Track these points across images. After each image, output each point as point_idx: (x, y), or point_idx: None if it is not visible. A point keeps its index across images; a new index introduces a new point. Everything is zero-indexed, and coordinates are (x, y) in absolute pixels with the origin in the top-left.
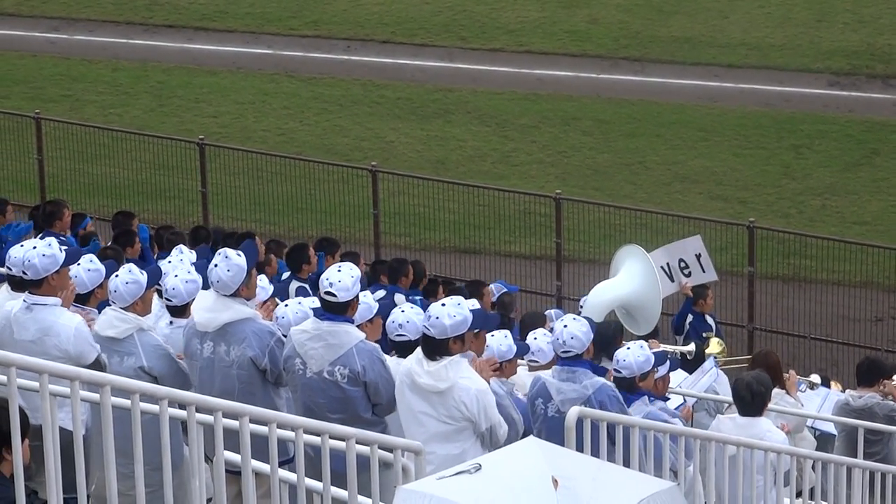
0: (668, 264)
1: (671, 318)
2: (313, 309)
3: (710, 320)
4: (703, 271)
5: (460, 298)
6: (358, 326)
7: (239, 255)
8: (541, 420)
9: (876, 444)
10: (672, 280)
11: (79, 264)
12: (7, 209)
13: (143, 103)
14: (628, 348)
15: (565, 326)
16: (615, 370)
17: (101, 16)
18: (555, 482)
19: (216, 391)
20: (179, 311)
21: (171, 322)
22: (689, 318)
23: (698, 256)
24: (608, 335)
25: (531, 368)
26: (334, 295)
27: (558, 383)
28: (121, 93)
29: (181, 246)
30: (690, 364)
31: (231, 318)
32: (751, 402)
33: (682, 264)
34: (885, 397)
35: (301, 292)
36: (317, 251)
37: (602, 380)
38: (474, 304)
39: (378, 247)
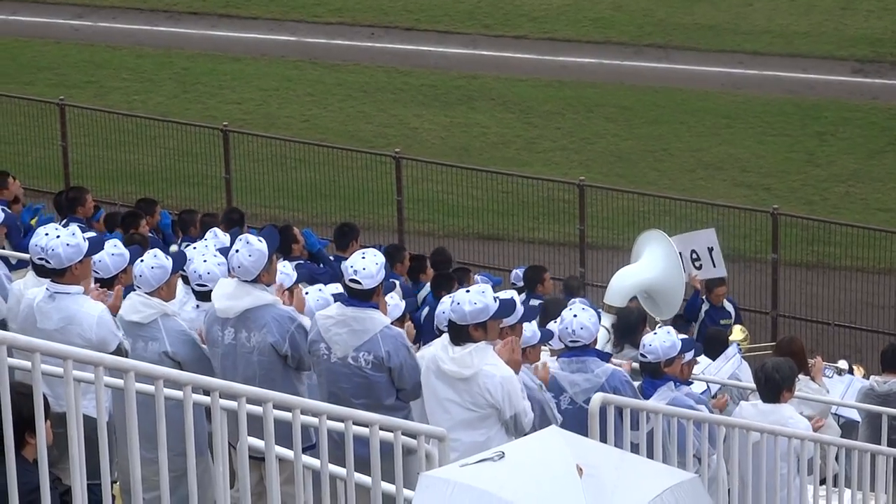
0: (679, 254)
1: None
2: (335, 295)
3: (729, 307)
4: (714, 266)
5: (486, 286)
6: None
7: (260, 240)
8: None
9: None
10: (683, 270)
11: (102, 250)
12: (7, 181)
13: (167, 90)
14: (655, 333)
15: (574, 316)
16: (641, 355)
17: (124, 3)
18: (580, 470)
19: (238, 378)
20: (211, 295)
21: (197, 306)
22: (705, 306)
23: (710, 250)
24: (631, 322)
25: (552, 353)
26: (359, 282)
27: (569, 375)
28: (145, 79)
29: (215, 229)
30: (713, 351)
31: (251, 304)
32: (764, 386)
33: (694, 255)
34: None
35: (301, 269)
36: (337, 239)
37: (611, 366)
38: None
39: (402, 233)
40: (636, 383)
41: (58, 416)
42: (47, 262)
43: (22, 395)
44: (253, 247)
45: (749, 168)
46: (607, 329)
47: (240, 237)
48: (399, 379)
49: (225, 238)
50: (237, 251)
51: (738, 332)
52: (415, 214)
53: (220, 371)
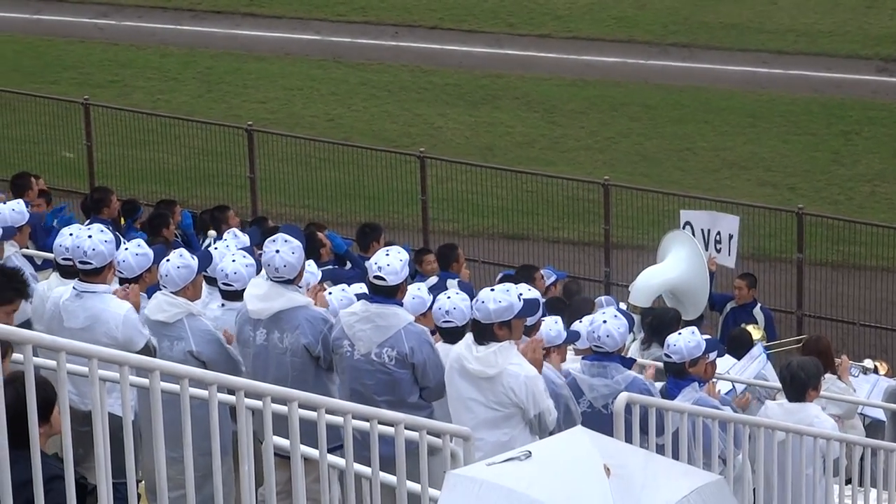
0: (707, 231)
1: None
2: (358, 294)
3: (759, 316)
4: (729, 255)
5: (510, 285)
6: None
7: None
8: None
9: None
10: (705, 248)
11: (126, 248)
12: (30, 181)
13: (191, 89)
14: (679, 333)
15: (604, 322)
16: (665, 355)
17: (149, 2)
18: (607, 470)
19: (270, 378)
20: (236, 295)
21: (222, 304)
22: (731, 304)
23: (730, 237)
24: (666, 320)
25: (577, 353)
26: (383, 279)
27: (589, 379)
28: (169, 79)
29: (234, 230)
30: (738, 351)
31: (284, 305)
32: (790, 385)
33: (717, 238)
34: None
35: (327, 273)
36: (359, 240)
37: (632, 373)
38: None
39: (426, 233)
40: (660, 384)
41: (83, 414)
42: (88, 262)
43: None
44: (294, 244)
45: (774, 167)
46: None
47: (274, 237)
48: (422, 376)
49: (245, 238)
50: (278, 251)
51: (755, 332)
52: (439, 214)
53: (251, 371)
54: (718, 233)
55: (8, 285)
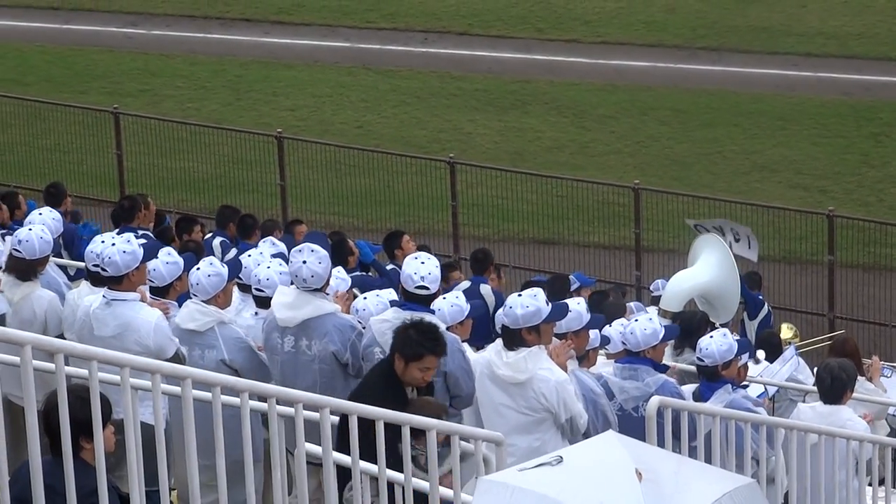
0: (720, 227)
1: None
2: (392, 301)
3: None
4: (749, 248)
5: (538, 290)
6: (448, 328)
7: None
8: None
9: None
10: (724, 235)
11: (157, 257)
12: (66, 199)
13: (221, 97)
14: (711, 336)
15: (636, 321)
16: (698, 358)
17: (178, 10)
18: (639, 475)
19: (298, 386)
20: (270, 302)
21: (256, 313)
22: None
23: (749, 238)
24: (693, 325)
25: (609, 356)
26: (427, 288)
27: (620, 382)
28: (198, 87)
29: (271, 238)
30: (768, 353)
31: (312, 313)
32: (830, 387)
33: (735, 234)
34: None
35: (356, 280)
36: (386, 245)
37: (663, 376)
38: (580, 302)
39: (457, 238)
40: (693, 386)
41: (115, 422)
42: (104, 269)
43: (79, 398)
44: (320, 253)
45: (804, 170)
46: None
47: (299, 247)
48: (454, 385)
49: (282, 246)
50: (305, 262)
51: (786, 331)
52: (469, 219)
53: (280, 379)
54: (733, 230)
55: (419, 342)
